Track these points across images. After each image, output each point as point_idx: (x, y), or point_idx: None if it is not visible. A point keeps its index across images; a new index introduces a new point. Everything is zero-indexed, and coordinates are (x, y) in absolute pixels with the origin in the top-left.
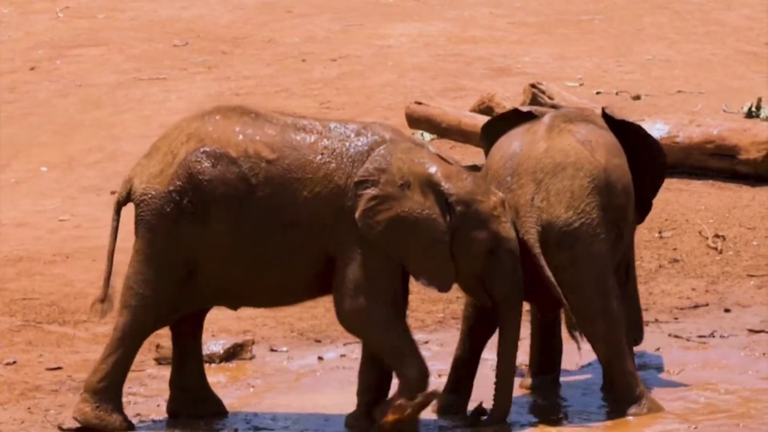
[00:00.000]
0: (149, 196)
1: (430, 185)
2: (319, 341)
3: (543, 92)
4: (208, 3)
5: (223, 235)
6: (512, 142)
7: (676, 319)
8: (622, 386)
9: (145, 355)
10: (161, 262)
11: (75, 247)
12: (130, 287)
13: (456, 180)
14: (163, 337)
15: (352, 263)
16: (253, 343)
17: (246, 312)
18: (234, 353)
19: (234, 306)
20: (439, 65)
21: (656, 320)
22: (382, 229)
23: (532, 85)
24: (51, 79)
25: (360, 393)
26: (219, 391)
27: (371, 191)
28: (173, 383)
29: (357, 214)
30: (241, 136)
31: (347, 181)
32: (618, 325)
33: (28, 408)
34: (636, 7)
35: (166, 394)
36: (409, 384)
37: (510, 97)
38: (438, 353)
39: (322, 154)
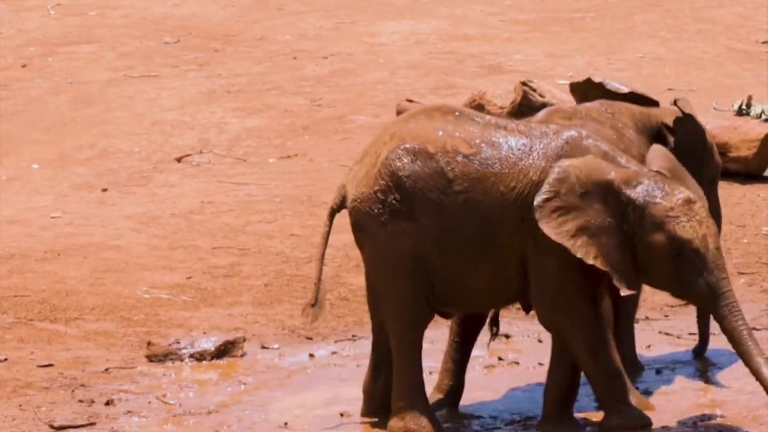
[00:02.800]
0: (359, 200)
1: (609, 192)
2: (310, 338)
3: (534, 90)
4: (200, 0)
5: (430, 230)
6: None
7: (666, 316)
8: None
9: (136, 352)
10: (388, 263)
11: (67, 245)
12: (388, 292)
13: (634, 184)
14: (153, 334)
15: (545, 262)
16: (244, 340)
17: (237, 309)
18: (225, 350)
19: (461, 309)
20: (431, 63)
21: (647, 317)
22: (570, 237)
23: (523, 83)
24: (43, 76)
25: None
26: (210, 389)
27: (554, 203)
28: (365, 390)
29: (542, 224)
30: (440, 132)
31: (541, 178)
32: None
33: (20, 405)
34: (628, 5)
35: (158, 392)
36: (599, 384)
37: (501, 94)
38: (428, 350)
39: (520, 149)
